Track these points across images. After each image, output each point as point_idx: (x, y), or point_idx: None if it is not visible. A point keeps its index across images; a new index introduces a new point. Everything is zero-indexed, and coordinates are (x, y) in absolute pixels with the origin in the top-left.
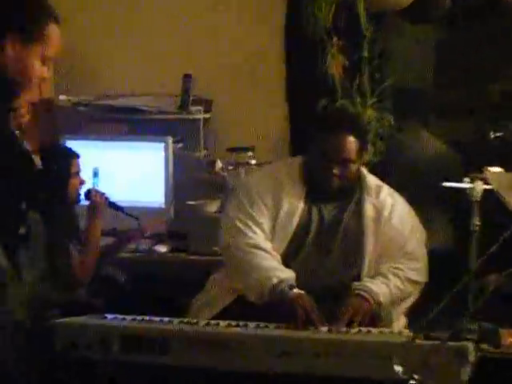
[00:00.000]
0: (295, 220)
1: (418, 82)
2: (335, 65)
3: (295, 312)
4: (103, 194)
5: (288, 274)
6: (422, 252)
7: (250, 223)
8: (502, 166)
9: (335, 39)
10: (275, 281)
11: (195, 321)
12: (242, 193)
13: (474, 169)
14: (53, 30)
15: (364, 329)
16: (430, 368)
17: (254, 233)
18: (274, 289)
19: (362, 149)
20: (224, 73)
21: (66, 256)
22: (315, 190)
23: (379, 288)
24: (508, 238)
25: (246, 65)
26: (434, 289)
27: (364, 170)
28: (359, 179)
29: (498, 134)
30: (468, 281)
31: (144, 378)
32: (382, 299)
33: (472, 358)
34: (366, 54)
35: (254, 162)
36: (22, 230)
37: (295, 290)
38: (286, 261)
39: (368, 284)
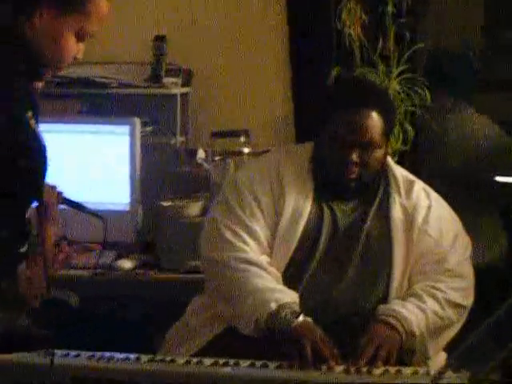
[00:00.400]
0: (301, 226)
1: (461, 46)
2: (353, 22)
3: (301, 346)
4: (54, 187)
5: (290, 298)
6: (466, 267)
7: (241, 231)
8: None
9: None
10: (274, 306)
11: (171, 358)
12: (231, 191)
13: None
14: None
15: (392, 368)
16: None
17: (246, 244)
18: (273, 316)
19: (388, 129)
20: (208, 35)
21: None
22: (327, 186)
23: (412, 313)
24: None
25: (238, 24)
26: (482, 315)
27: (391, 161)
28: (384, 172)
29: None
30: None
31: None
32: (415, 328)
33: None
34: (391, 7)
35: (247, 150)
36: (23, 248)
37: (300, 318)
38: (290, 280)
39: (397, 308)
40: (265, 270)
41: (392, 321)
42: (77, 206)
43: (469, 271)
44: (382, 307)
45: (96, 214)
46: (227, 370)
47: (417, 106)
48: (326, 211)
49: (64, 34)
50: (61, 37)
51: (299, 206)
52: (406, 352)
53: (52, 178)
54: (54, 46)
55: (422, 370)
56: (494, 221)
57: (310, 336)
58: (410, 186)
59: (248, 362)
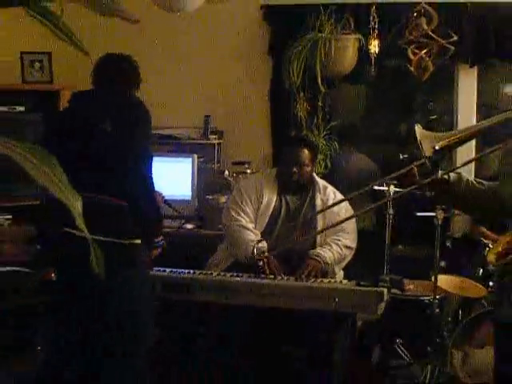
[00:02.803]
0: (271, 208)
1: (355, 121)
2: (302, 109)
3: (263, 268)
4: (161, 193)
5: (261, 245)
6: (352, 227)
7: (239, 211)
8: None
9: (302, 93)
10: (252, 249)
11: (210, 272)
12: (236, 192)
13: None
14: None
15: (319, 280)
16: (359, 304)
17: (242, 217)
18: (252, 254)
19: (313, 157)
20: (231, 114)
21: None
22: (283, 186)
23: (326, 253)
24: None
25: (245, 108)
26: (361, 253)
27: (316, 176)
28: (312, 182)
29: (405, 156)
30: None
31: (176, 309)
32: (328, 260)
33: (386, 297)
34: (320, 103)
35: (249, 171)
36: None
37: (265, 254)
38: (265, 236)
39: (319, 251)
40: (251, 230)
41: (317, 258)
42: (169, 205)
43: (354, 229)
44: (311, 251)
45: (176, 210)
46: (238, 278)
47: (332, 150)
48: (284, 201)
49: None
50: None
51: (269, 198)
52: (324, 272)
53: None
54: None
55: (332, 280)
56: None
57: (269, 264)
58: (325, 189)
59: (248, 275)
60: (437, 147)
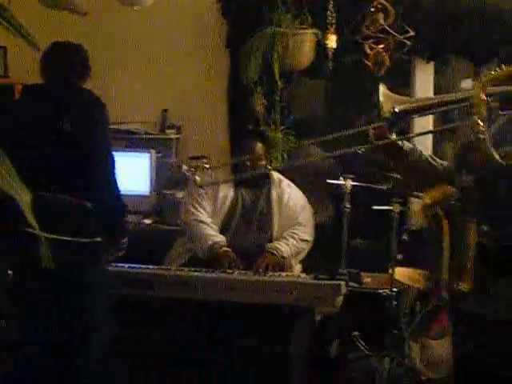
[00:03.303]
0: (227, 203)
1: (312, 116)
2: (259, 104)
3: (221, 262)
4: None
5: (219, 239)
6: (310, 221)
7: (197, 206)
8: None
9: (259, 88)
10: (210, 243)
11: (169, 267)
12: (193, 187)
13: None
14: None
15: (276, 273)
16: (317, 297)
17: (199, 212)
18: (210, 248)
19: (266, 151)
20: (189, 108)
21: None
22: (239, 180)
23: (283, 247)
24: None
25: (203, 103)
26: (319, 246)
27: (271, 170)
28: (267, 176)
29: (362, 150)
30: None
31: (136, 304)
32: (285, 254)
33: (343, 291)
34: (277, 97)
35: (207, 166)
36: None
37: (223, 248)
38: (223, 230)
39: (275, 245)
40: (208, 225)
41: (273, 251)
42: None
43: (311, 223)
44: (268, 245)
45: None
46: (196, 273)
47: (289, 145)
48: (240, 195)
49: None
50: None
51: (226, 193)
52: (282, 266)
53: None
54: None
55: (290, 274)
56: (327, 201)
57: (227, 257)
58: (280, 182)
59: (205, 270)
60: (396, 109)
